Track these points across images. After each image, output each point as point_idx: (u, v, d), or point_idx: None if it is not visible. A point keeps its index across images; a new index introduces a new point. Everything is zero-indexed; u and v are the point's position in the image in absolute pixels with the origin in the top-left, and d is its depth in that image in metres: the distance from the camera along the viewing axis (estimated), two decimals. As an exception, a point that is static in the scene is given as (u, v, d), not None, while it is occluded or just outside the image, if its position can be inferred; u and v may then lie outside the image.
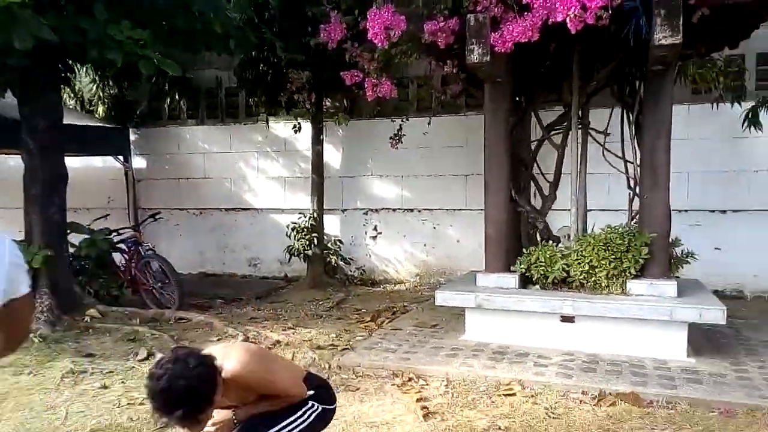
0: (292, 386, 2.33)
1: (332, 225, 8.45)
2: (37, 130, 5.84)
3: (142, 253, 6.57)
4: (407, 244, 8.32)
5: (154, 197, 9.26)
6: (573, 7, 3.49)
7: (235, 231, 9.03)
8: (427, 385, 4.11)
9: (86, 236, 6.53)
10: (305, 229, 7.89)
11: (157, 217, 7.06)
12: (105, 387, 4.16)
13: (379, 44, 4.49)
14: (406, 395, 3.94)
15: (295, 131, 7.69)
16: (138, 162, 9.23)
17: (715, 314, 4.21)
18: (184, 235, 9.22)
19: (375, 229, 8.47)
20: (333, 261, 8.21)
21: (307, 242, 7.87)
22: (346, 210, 8.54)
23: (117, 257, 6.82)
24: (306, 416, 2.34)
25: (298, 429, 2.29)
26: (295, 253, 7.89)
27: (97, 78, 8.30)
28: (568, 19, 3.59)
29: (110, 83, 8.50)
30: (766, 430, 3.33)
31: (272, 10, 6.05)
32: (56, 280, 5.89)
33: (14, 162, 8.51)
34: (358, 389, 4.07)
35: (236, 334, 5.34)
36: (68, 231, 6.27)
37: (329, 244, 8.20)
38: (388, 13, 4.35)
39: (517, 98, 5.41)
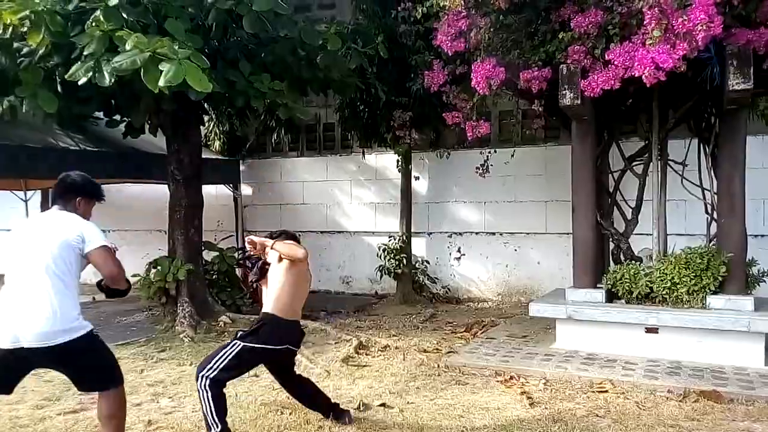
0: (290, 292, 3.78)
1: (419, 247, 9.23)
2: (182, 163, 6.96)
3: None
4: (490, 265, 8.98)
5: (258, 221, 10.34)
6: (648, 67, 4.13)
7: (330, 252, 9.95)
8: (527, 382, 4.76)
9: (216, 253, 7.58)
10: (395, 251, 8.68)
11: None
12: (256, 376, 5.03)
13: (481, 91, 5.24)
14: (510, 389, 4.60)
15: (398, 167, 8.57)
16: (245, 189, 10.38)
17: (791, 326, 4.67)
18: (284, 255, 10.21)
19: (459, 250, 9.18)
20: (420, 280, 8.96)
21: (397, 262, 8.65)
22: (432, 233, 9.31)
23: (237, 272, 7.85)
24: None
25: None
26: (386, 272, 8.69)
27: (214, 117, 9.50)
28: (643, 76, 4.22)
29: (224, 121, 9.68)
30: (840, 425, 3.79)
31: (377, 60, 6.99)
32: (194, 290, 6.92)
33: (138, 190, 9.85)
34: (467, 383, 4.77)
35: (350, 338, 6.14)
36: (203, 249, 7.33)
37: (416, 264, 8.98)
38: (490, 65, 5.12)
39: (600, 132, 6.03)
